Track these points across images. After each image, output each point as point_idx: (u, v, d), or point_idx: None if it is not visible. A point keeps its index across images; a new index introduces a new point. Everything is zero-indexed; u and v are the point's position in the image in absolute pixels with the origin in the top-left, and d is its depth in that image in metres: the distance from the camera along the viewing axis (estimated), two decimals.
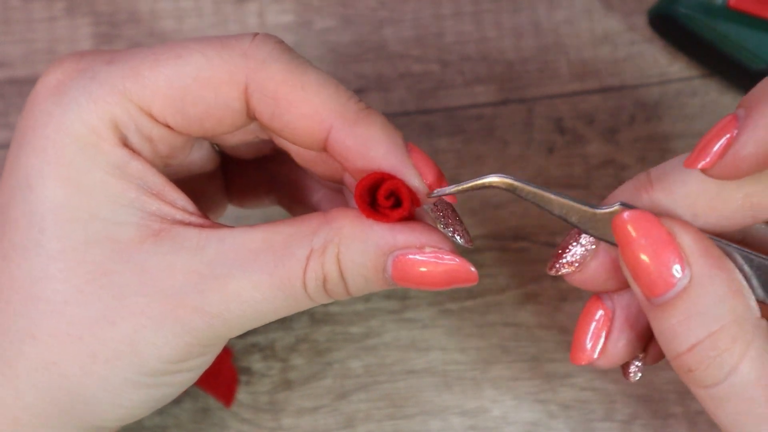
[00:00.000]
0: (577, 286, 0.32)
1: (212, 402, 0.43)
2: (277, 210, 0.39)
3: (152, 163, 0.30)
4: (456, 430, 0.43)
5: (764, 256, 0.30)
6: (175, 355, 0.30)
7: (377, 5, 0.47)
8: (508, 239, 0.44)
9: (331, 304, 0.44)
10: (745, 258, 0.29)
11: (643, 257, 0.29)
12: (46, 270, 0.29)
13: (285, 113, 0.30)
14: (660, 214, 0.29)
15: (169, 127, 0.30)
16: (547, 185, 0.45)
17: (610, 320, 0.32)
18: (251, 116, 0.31)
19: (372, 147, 0.29)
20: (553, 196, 0.30)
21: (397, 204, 0.29)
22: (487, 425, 0.43)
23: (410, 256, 0.29)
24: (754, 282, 0.29)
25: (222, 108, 0.30)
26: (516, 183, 0.30)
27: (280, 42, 0.30)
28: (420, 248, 0.29)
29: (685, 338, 0.28)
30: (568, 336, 0.43)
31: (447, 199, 0.31)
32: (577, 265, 0.31)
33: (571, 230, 0.31)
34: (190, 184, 0.34)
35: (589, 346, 0.32)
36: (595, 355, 0.32)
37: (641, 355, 0.33)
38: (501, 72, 0.46)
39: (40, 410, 0.30)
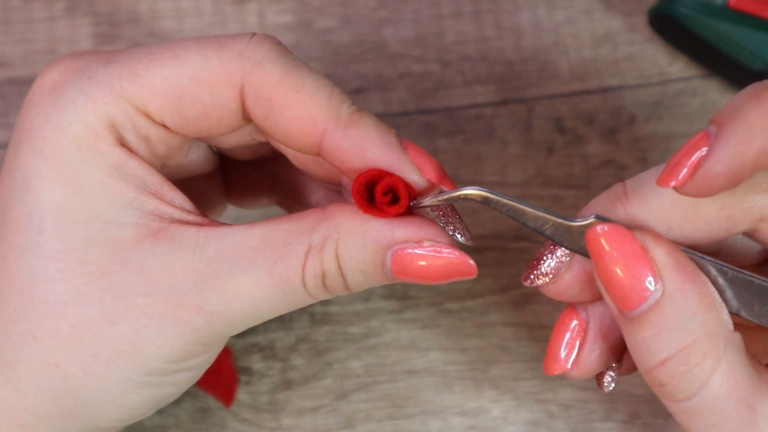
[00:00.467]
0: (551, 297, 0.32)
1: (212, 402, 0.43)
2: (276, 210, 0.39)
3: (150, 163, 0.30)
4: (456, 430, 0.43)
5: (738, 269, 0.30)
6: (176, 354, 0.30)
7: (377, 5, 0.47)
8: (508, 239, 0.45)
9: (331, 304, 0.44)
10: (719, 270, 0.29)
11: (616, 270, 0.29)
12: (46, 271, 0.29)
13: (279, 115, 0.30)
14: (635, 227, 0.29)
15: (165, 127, 0.30)
16: (547, 185, 0.45)
17: (584, 330, 0.32)
18: (247, 117, 0.31)
19: (368, 148, 0.29)
20: (527, 209, 0.30)
21: (395, 200, 0.30)
22: (487, 425, 0.43)
23: (409, 251, 0.30)
24: (728, 294, 0.30)
25: (218, 108, 0.30)
26: (490, 195, 0.30)
27: (278, 43, 0.30)
28: (418, 242, 0.30)
29: (657, 352, 0.28)
30: None
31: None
32: (551, 276, 0.31)
33: (546, 241, 0.31)
34: (189, 184, 0.34)
35: (563, 356, 0.32)
36: (569, 365, 0.32)
37: (615, 366, 0.33)
38: (501, 72, 0.46)
39: (42, 411, 0.30)
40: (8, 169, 0.30)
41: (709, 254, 0.30)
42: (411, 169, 0.30)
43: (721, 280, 0.29)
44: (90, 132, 0.29)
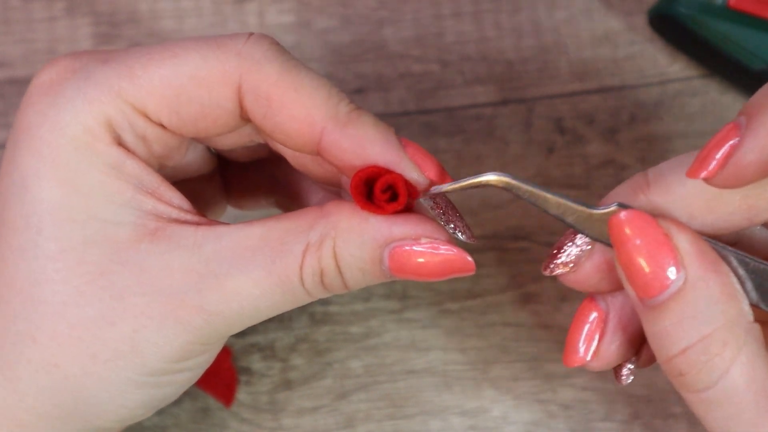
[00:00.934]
0: (570, 286, 0.32)
1: (212, 402, 0.43)
2: (275, 212, 0.39)
3: (147, 163, 0.30)
4: (456, 430, 0.43)
5: (759, 260, 0.29)
6: (175, 354, 0.30)
7: (377, 5, 0.47)
8: (508, 239, 0.45)
9: (331, 304, 0.44)
10: (740, 261, 0.29)
11: (639, 258, 0.28)
12: (45, 271, 0.29)
13: (277, 114, 0.30)
14: (656, 215, 0.29)
15: (163, 127, 0.30)
16: (547, 185, 0.45)
17: (604, 322, 0.32)
18: (245, 117, 0.31)
19: (367, 146, 0.29)
20: (549, 196, 0.30)
21: (394, 198, 0.29)
22: (487, 425, 0.43)
23: (407, 248, 0.29)
24: (749, 285, 0.29)
25: (216, 108, 0.30)
26: (513, 182, 0.30)
27: (275, 43, 0.30)
28: (416, 239, 0.30)
29: (677, 341, 0.28)
30: None
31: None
32: (571, 265, 0.31)
33: (567, 230, 0.31)
34: (188, 186, 0.34)
35: (582, 348, 0.32)
36: (588, 357, 0.32)
37: (634, 358, 0.33)
38: (501, 72, 0.46)
39: (42, 412, 0.30)
40: (6, 169, 0.30)
41: (729, 245, 0.30)
42: (411, 166, 0.30)
43: (741, 271, 0.29)
44: (87, 132, 0.29)
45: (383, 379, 0.43)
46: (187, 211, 0.31)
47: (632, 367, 0.32)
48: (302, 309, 0.44)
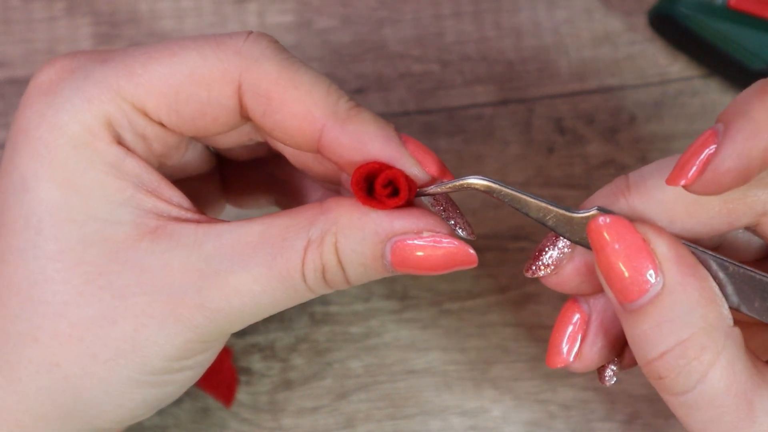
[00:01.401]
0: (552, 288, 0.32)
1: (212, 402, 0.43)
2: (275, 210, 0.39)
3: (147, 162, 0.30)
4: (456, 430, 0.43)
5: (739, 264, 0.30)
6: (177, 352, 0.30)
7: (377, 5, 0.47)
8: (508, 239, 0.44)
9: (331, 304, 0.44)
10: (720, 265, 0.29)
11: (617, 262, 0.29)
12: (45, 271, 0.29)
13: (277, 112, 0.30)
14: (636, 219, 0.29)
15: (163, 125, 0.30)
16: (547, 185, 0.45)
17: (587, 324, 0.32)
18: (244, 115, 0.31)
19: (367, 142, 0.29)
20: (530, 199, 0.30)
21: (395, 193, 0.30)
22: (487, 425, 0.43)
23: (408, 241, 0.30)
24: (729, 289, 0.30)
25: (215, 106, 0.30)
26: (494, 185, 0.30)
27: (274, 41, 0.30)
28: (418, 233, 0.30)
29: (656, 345, 0.28)
30: None
31: None
32: (553, 267, 0.31)
33: (549, 233, 0.31)
34: (187, 185, 0.34)
35: (565, 349, 0.32)
36: (571, 358, 0.32)
37: (617, 360, 0.33)
38: (501, 72, 0.46)
39: (42, 412, 0.30)
40: (5, 169, 0.30)
41: (710, 249, 0.30)
42: (411, 162, 0.30)
43: (721, 275, 0.29)
44: (86, 131, 0.29)
45: (383, 379, 0.43)
46: (187, 210, 0.31)
47: (615, 368, 0.33)
48: (302, 309, 0.44)
